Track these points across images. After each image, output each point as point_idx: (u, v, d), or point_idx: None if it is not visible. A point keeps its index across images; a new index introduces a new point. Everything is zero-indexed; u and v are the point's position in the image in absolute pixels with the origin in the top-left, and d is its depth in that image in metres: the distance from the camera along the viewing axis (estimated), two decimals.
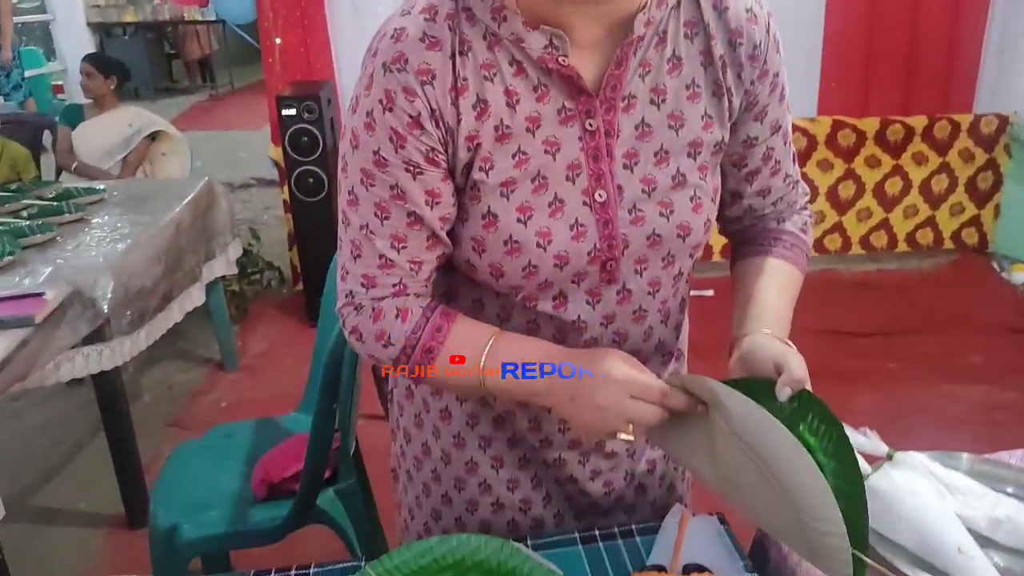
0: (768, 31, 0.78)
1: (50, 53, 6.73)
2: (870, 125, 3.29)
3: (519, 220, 0.75)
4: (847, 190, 3.40)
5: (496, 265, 0.76)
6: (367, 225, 0.75)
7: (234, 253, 2.68)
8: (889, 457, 0.82)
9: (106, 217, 2.23)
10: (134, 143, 3.21)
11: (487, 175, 0.74)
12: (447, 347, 0.77)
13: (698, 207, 0.79)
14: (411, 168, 0.72)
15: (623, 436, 0.71)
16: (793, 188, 0.89)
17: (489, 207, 0.75)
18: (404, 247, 0.76)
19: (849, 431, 0.72)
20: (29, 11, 6.88)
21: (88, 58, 3.31)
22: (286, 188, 3.06)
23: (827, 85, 3.26)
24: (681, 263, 0.82)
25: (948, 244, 3.53)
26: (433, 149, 0.72)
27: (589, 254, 0.77)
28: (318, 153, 2.89)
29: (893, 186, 3.42)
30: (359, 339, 0.79)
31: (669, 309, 0.86)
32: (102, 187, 2.48)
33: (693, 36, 0.76)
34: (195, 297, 2.31)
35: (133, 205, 2.33)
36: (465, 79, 0.72)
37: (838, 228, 3.48)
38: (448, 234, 0.78)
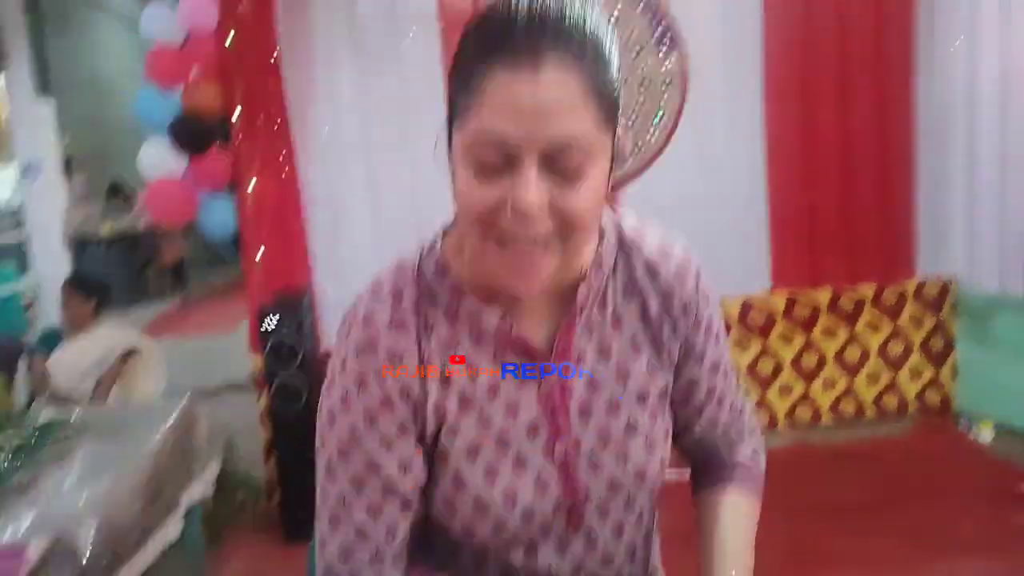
0: (697, 288, 0.87)
1: (22, 267, 6.80)
2: (823, 296, 3.48)
3: (486, 482, 0.81)
4: (810, 360, 3.52)
5: (466, 524, 0.81)
6: (344, 498, 0.80)
7: (212, 473, 2.65)
8: None
9: (87, 449, 2.21)
10: (108, 362, 3.23)
11: (453, 442, 0.80)
12: None
13: (652, 451, 0.85)
14: (385, 441, 0.79)
15: None
16: (739, 416, 0.97)
17: (457, 471, 0.81)
18: (380, 517, 0.80)
19: None
20: (4, 228, 7.01)
21: (69, 282, 3.39)
22: (264, 398, 3.09)
23: (778, 260, 3.46)
24: (642, 504, 0.88)
25: (913, 407, 3.62)
26: (404, 423, 0.80)
27: (554, 506, 0.82)
28: (298, 363, 2.95)
29: (852, 354, 3.56)
30: None
31: (635, 547, 0.91)
32: (79, 416, 2.48)
33: (630, 297, 0.85)
34: (171, 531, 2.25)
35: (113, 434, 2.32)
36: (430, 357, 0.80)
37: (806, 399, 3.57)
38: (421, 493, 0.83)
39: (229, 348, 5.36)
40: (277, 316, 2.94)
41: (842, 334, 3.53)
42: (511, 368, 0.82)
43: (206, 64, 3.04)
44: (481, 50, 0.68)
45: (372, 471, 0.79)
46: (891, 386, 3.60)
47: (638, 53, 3.14)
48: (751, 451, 0.98)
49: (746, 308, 3.40)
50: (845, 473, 3.20)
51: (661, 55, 3.16)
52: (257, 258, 3.18)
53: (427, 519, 0.85)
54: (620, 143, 0.74)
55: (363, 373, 0.78)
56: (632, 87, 3.15)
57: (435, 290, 0.81)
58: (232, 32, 3.00)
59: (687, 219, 3.32)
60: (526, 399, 0.82)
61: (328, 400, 0.81)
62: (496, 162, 0.68)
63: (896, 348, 3.58)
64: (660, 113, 3.20)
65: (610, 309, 0.85)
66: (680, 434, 0.94)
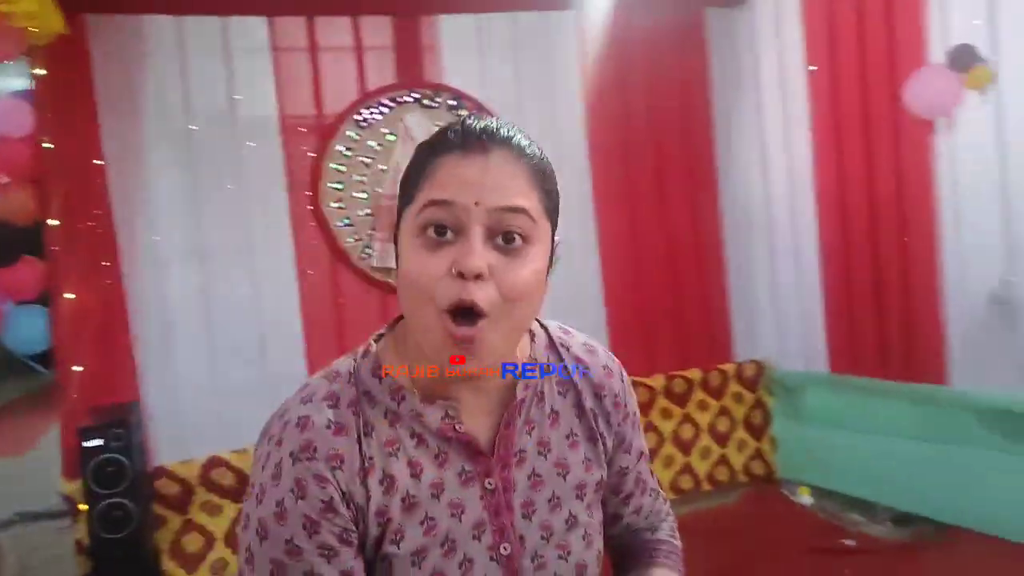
0: (623, 380, 0.94)
1: None
2: (658, 382, 3.72)
3: None
4: (650, 441, 3.71)
5: None
6: None
7: None
8: None
9: None
10: None
11: (399, 547, 0.78)
12: None
13: (590, 543, 0.88)
14: (325, 552, 0.75)
15: None
16: (658, 498, 1.03)
17: None
18: None
19: None
20: None
21: None
22: (81, 525, 2.78)
23: (616, 354, 3.65)
24: None
25: (742, 477, 3.90)
26: (346, 529, 0.76)
27: None
28: (126, 484, 2.70)
29: (686, 432, 3.80)
30: None
31: None
32: None
33: (565, 393, 0.89)
34: None
35: None
36: (371, 459, 0.77)
37: None
38: None
39: (17, 475, 4.77)
40: (100, 435, 2.69)
41: (676, 414, 3.77)
42: (454, 467, 0.81)
43: (18, 169, 2.83)
44: (434, 147, 0.77)
45: (292, 555, 0.75)
46: (722, 459, 3.86)
47: None
48: (670, 529, 1.05)
49: None
50: (691, 542, 3.32)
51: None
52: (74, 371, 2.93)
53: None
54: (557, 247, 0.81)
55: (301, 480, 0.74)
56: None
57: (373, 392, 0.80)
58: (49, 136, 2.83)
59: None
60: (470, 498, 0.82)
61: (258, 512, 0.76)
62: (443, 232, 0.73)
63: (723, 424, 3.87)
64: None
65: (547, 405, 0.88)
66: (609, 522, 0.99)
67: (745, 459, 3.91)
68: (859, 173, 3.28)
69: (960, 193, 2.97)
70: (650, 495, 1.02)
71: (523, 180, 0.76)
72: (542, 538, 0.85)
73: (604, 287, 3.67)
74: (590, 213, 3.64)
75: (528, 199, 0.75)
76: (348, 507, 0.76)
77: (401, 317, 0.84)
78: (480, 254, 0.72)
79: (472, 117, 0.80)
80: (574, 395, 0.91)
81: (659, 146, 3.70)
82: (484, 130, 0.77)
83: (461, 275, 0.72)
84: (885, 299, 3.28)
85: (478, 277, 0.72)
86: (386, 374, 0.81)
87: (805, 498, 3.66)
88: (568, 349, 0.93)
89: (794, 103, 3.54)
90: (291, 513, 0.74)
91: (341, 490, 0.76)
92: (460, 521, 0.81)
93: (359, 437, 0.78)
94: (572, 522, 0.87)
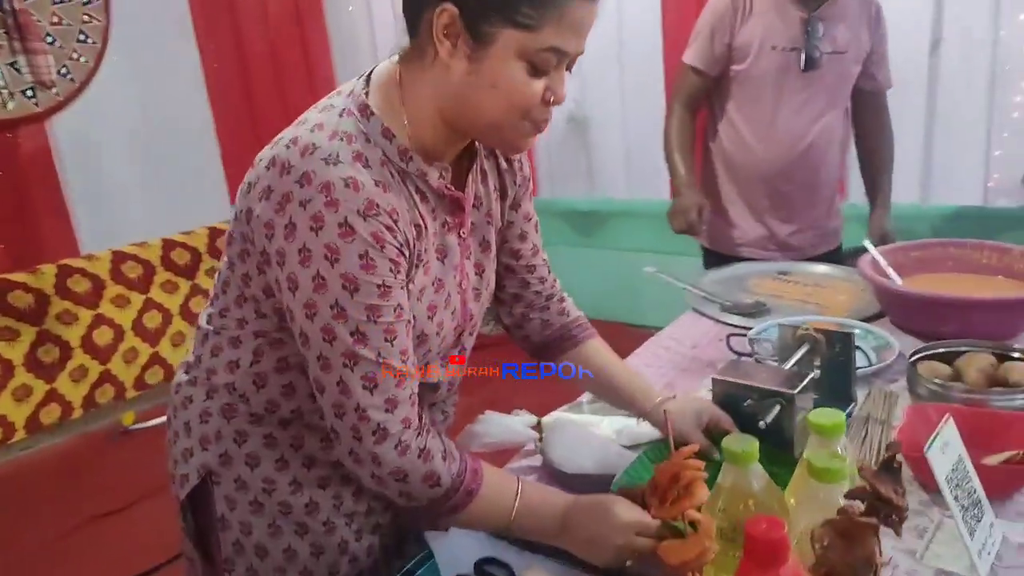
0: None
1: None
2: None
3: (428, 317, 0.90)
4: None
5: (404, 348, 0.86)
6: (379, 352, 0.81)
7: None
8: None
9: None
10: None
11: (411, 286, 0.87)
12: (483, 491, 0.88)
13: (490, 282, 1.03)
14: (404, 284, 0.84)
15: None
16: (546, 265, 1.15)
17: (411, 312, 0.87)
18: (406, 357, 0.84)
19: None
20: None
21: None
22: None
23: (234, 191, 3.54)
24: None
25: None
26: (406, 263, 0.85)
27: (455, 329, 0.96)
28: None
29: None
30: (402, 479, 0.84)
31: None
32: None
33: (488, 155, 1.00)
34: None
35: None
36: (408, 209, 0.85)
37: None
38: None
39: None
40: None
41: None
42: (440, 218, 0.91)
43: None
44: None
45: (399, 316, 0.82)
46: None
47: None
48: (575, 307, 1.18)
49: (213, 237, 3.41)
50: None
51: None
52: None
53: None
54: None
55: (377, 233, 0.79)
56: (45, 4, 2.78)
57: (387, 152, 0.84)
58: None
59: (135, 155, 3.18)
60: (451, 245, 0.93)
61: (339, 269, 0.78)
62: (550, 67, 0.82)
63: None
64: (83, 36, 2.90)
65: (477, 164, 0.97)
66: (520, 293, 1.12)
67: None
68: None
69: None
70: (547, 268, 1.15)
71: None
72: (477, 273, 1.00)
73: (215, 123, 3.50)
74: (189, 31, 3.37)
75: None
76: (404, 249, 0.84)
77: (371, 75, 0.89)
78: (565, 86, 0.85)
79: None
80: (494, 157, 1.02)
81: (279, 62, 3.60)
82: None
83: (555, 100, 0.84)
84: None
85: None
86: (393, 136, 0.85)
87: None
88: None
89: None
90: (378, 261, 0.80)
91: (404, 236, 0.83)
92: (444, 263, 0.92)
93: (398, 191, 0.85)
94: (492, 261, 1.03)
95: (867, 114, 2.02)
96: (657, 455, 1.06)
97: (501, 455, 1.17)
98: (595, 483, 1.01)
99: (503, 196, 1.03)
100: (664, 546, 0.78)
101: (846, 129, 1.99)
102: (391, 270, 0.81)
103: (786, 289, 1.73)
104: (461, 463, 0.88)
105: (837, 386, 1.18)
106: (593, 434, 1.17)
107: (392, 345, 0.82)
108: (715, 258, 2.03)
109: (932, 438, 0.83)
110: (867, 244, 1.57)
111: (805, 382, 1.03)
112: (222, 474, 0.94)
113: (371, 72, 0.89)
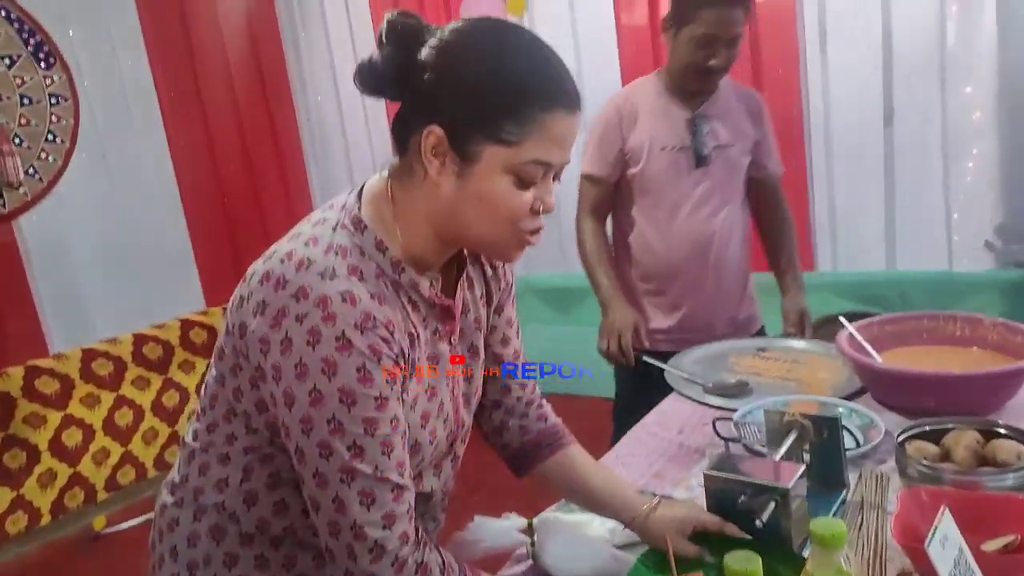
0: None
1: None
2: None
3: (421, 426, 0.90)
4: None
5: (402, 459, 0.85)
6: (377, 466, 0.80)
7: None
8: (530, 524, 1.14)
9: None
10: None
11: (405, 396, 0.86)
12: None
13: (479, 388, 1.03)
14: (399, 395, 0.83)
15: None
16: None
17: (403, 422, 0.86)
18: (403, 469, 0.83)
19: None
20: None
21: None
22: None
23: (207, 282, 3.52)
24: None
25: None
26: (402, 373, 0.84)
27: (447, 437, 0.96)
28: None
29: None
30: None
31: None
32: None
33: (474, 262, 1.01)
34: None
35: None
36: (402, 319, 0.85)
37: None
38: None
39: None
40: None
41: None
42: (431, 327, 0.91)
43: None
44: (541, 95, 0.81)
45: (395, 427, 0.82)
46: None
47: (9, 66, 2.79)
48: (553, 414, 1.17)
49: (186, 329, 3.36)
50: None
51: (42, 72, 2.87)
52: None
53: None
54: None
55: (374, 345, 0.79)
56: (12, 104, 2.79)
57: (380, 264, 0.85)
58: None
59: (105, 251, 3.15)
60: (443, 353, 0.94)
61: (336, 383, 0.78)
62: (536, 179, 0.84)
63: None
64: (51, 135, 2.91)
65: (464, 273, 0.98)
66: (500, 399, 1.11)
67: None
68: None
69: None
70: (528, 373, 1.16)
71: None
72: (465, 380, 1.00)
73: (185, 214, 3.49)
74: (158, 122, 3.39)
75: None
76: (399, 360, 0.84)
77: (361, 190, 0.90)
78: (553, 195, 0.88)
79: (559, 63, 0.85)
80: (480, 264, 1.03)
81: (227, 47, 3.60)
82: (574, 85, 0.85)
83: (546, 210, 0.87)
84: None
85: None
86: (386, 249, 0.86)
87: None
88: None
89: (359, 22, 3.70)
90: (374, 373, 0.79)
91: (400, 348, 0.83)
92: (436, 370, 0.93)
93: (392, 303, 0.85)
94: (480, 368, 1.04)
95: (764, 202, 2.08)
96: (653, 561, 1.04)
97: (492, 560, 1.13)
98: None
99: (489, 302, 1.03)
100: None
101: (746, 219, 2.05)
102: (387, 382, 0.81)
103: (766, 366, 1.74)
104: (460, 575, 0.87)
105: (828, 472, 1.17)
106: (586, 536, 1.14)
107: (389, 458, 0.81)
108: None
109: (931, 533, 0.82)
110: (842, 320, 1.59)
111: (798, 475, 1.02)
112: None
113: (363, 187, 0.91)
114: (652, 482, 1.31)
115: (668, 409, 1.63)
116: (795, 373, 1.68)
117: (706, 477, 1.07)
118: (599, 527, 1.17)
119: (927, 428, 1.23)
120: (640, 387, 1.87)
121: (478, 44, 0.83)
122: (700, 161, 1.91)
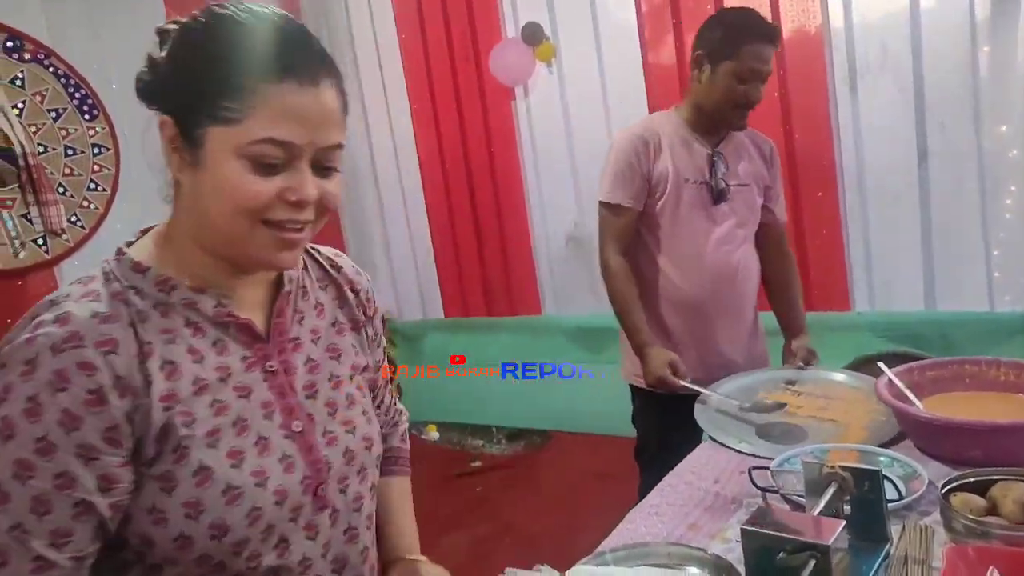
0: (368, 282, 1.03)
1: None
2: None
3: (232, 466, 0.78)
4: None
5: (218, 522, 0.76)
6: (20, 525, 0.67)
7: None
8: None
9: None
10: None
11: (191, 429, 0.76)
12: None
13: (370, 420, 0.95)
14: (83, 452, 0.69)
15: None
16: (393, 396, 1.14)
17: (200, 462, 0.76)
18: (67, 543, 0.70)
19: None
20: None
21: None
22: None
23: None
24: (372, 475, 0.95)
25: None
26: (114, 427, 0.70)
27: (302, 483, 0.83)
28: None
29: None
30: None
31: (372, 519, 0.97)
32: None
33: (326, 287, 0.96)
34: None
35: None
36: (149, 343, 0.75)
37: None
38: (145, 524, 0.74)
39: None
40: None
41: None
42: (235, 354, 0.82)
43: None
44: (259, 66, 0.73)
45: (63, 488, 0.69)
46: None
47: (55, 118, 2.88)
48: (402, 433, 1.15)
49: None
50: None
51: (86, 124, 2.96)
52: None
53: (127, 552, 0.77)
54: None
55: (62, 370, 0.68)
56: (58, 155, 2.88)
57: (138, 285, 0.77)
58: None
59: None
60: (255, 381, 0.83)
61: (2, 410, 0.68)
62: (275, 162, 0.75)
63: None
64: (94, 184, 2.99)
65: (312, 297, 0.93)
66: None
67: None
68: (453, 135, 3.65)
69: (537, 151, 3.50)
70: (389, 393, 1.14)
71: (340, 109, 0.80)
72: (328, 414, 0.89)
73: None
74: None
75: (343, 128, 0.80)
76: (122, 396, 0.71)
77: (149, 229, 0.85)
78: (311, 183, 0.78)
79: (289, 22, 0.78)
80: (334, 289, 0.98)
81: None
82: (316, 54, 0.78)
83: (298, 200, 0.77)
84: (486, 248, 3.73)
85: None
86: (147, 270, 0.79)
87: (432, 434, 4.02)
88: (319, 252, 1.01)
89: (391, 73, 3.77)
90: (47, 407, 0.67)
91: (116, 375, 0.71)
92: (249, 400, 0.82)
93: (132, 323, 0.75)
94: (351, 400, 0.93)
95: (770, 247, 2.09)
96: None
97: None
98: None
99: (355, 328, 0.98)
100: None
101: (757, 258, 2.06)
102: (63, 423, 0.68)
103: (799, 402, 1.70)
104: None
105: (870, 525, 1.14)
106: None
107: (40, 521, 0.68)
108: (643, 392, 2.02)
109: None
110: (881, 366, 1.55)
111: (839, 531, 0.99)
112: None
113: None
114: (687, 534, 1.28)
115: (702, 457, 1.60)
116: (830, 412, 1.64)
117: (743, 533, 1.04)
118: None
119: (972, 479, 1.19)
120: (664, 426, 1.91)
121: (192, 26, 0.78)
122: (719, 197, 1.93)
